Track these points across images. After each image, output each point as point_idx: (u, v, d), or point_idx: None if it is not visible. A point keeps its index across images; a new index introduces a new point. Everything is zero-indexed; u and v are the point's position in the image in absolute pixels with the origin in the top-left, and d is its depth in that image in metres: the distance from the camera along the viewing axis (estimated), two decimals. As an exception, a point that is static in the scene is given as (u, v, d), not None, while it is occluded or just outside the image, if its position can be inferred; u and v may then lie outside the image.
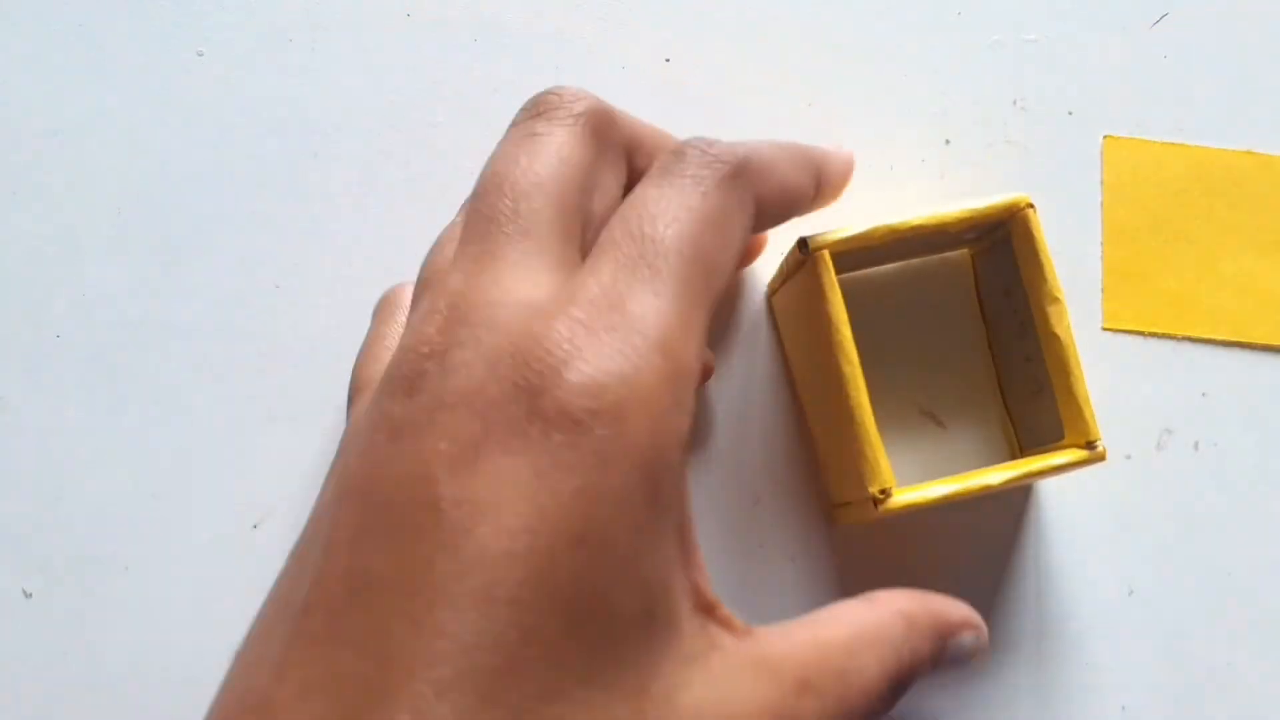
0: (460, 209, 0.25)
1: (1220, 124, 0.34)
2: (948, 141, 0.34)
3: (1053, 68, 0.34)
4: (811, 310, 0.28)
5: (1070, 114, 0.34)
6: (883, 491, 0.27)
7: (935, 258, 0.33)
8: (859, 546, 0.32)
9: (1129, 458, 0.33)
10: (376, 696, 0.17)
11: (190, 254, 0.33)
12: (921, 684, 0.31)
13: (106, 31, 0.33)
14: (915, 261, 0.33)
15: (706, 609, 0.21)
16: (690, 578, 0.20)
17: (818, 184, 0.26)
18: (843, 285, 0.28)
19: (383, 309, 0.29)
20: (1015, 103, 0.34)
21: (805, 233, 0.28)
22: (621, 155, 0.25)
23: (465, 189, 0.25)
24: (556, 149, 0.23)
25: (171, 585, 0.31)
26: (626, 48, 0.33)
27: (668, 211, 0.21)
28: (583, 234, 0.23)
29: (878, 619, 0.23)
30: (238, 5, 0.33)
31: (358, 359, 0.28)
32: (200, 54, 0.33)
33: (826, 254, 0.28)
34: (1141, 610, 0.32)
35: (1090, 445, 0.28)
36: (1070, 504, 0.32)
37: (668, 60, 0.34)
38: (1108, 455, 0.28)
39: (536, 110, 0.24)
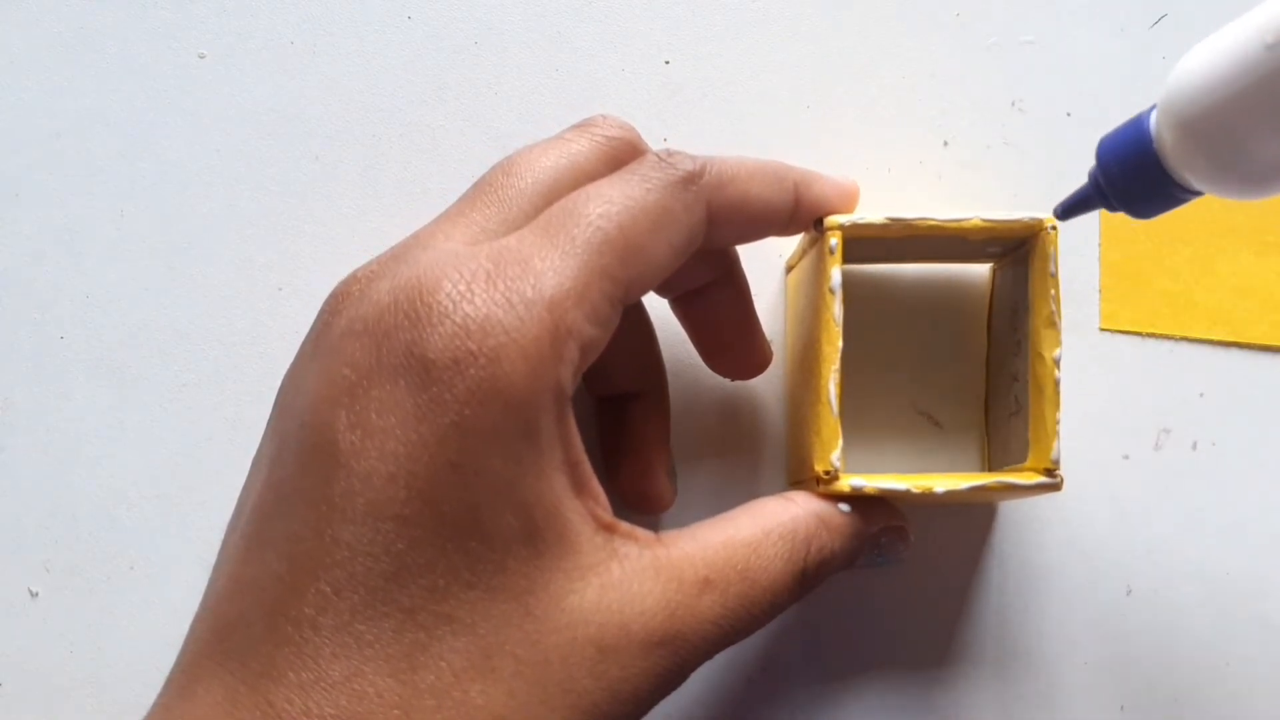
0: None
1: None
2: (946, 143, 0.34)
3: (1051, 69, 0.34)
4: (815, 288, 0.28)
5: (1069, 115, 0.34)
6: (828, 472, 0.27)
7: (959, 268, 0.33)
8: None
9: (1127, 458, 0.33)
10: (288, 593, 0.20)
11: (192, 255, 0.33)
12: (918, 683, 0.31)
13: (108, 34, 0.33)
14: (939, 270, 0.33)
15: (608, 528, 0.22)
16: (586, 506, 0.22)
17: (795, 203, 0.27)
18: (862, 282, 0.28)
19: None
20: (1014, 104, 0.34)
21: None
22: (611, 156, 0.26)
23: (465, 189, 0.26)
24: (569, 151, 0.25)
25: (175, 584, 0.32)
26: (626, 49, 0.34)
27: (604, 196, 0.23)
28: (514, 207, 0.25)
29: (790, 517, 0.25)
30: (239, 8, 0.33)
31: None
32: (202, 56, 0.33)
33: (838, 234, 0.28)
34: (1141, 610, 0.32)
35: (1050, 472, 0.27)
36: (1068, 504, 0.32)
37: (667, 62, 0.34)
38: (1064, 486, 0.27)
39: (577, 125, 0.26)
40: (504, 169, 0.25)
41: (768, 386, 0.33)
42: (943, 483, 0.27)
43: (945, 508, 0.32)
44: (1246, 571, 0.32)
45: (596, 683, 0.21)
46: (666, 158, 0.25)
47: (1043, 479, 0.27)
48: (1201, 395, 0.33)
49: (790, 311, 0.32)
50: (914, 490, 0.27)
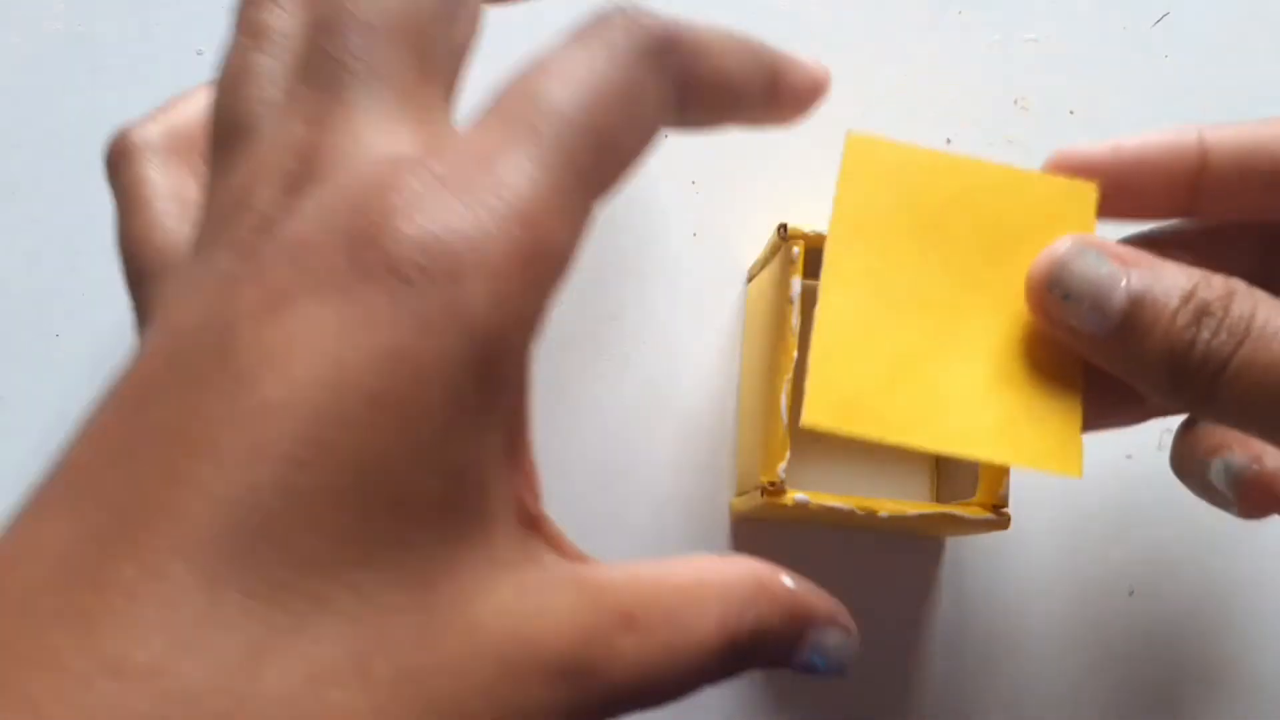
0: (237, 27, 0.21)
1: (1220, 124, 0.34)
2: (949, 140, 0.33)
3: (1054, 67, 0.34)
4: (775, 298, 0.28)
5: (1071, 113, 0.34)
6: (773, 484, 0.27)
7: None
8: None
9: (1129, 458, 0.33)
10: (106, 552, 0.15)
11: (189, 253, 0.33)
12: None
13: (106, 31, 0.33)
14: None
15: (530, 523, 0.19)
16: (515, 485, 0.18)
17: (771, 88, 0.23)
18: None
19: (139, 165, 0.25)
20: (1016, 102, 0.34)
21: (793, 220, 0.28)
22: None
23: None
24: None
25: (170, 585, 0.31)
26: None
27: (567, 73, 0.19)
28: (448, 68, 0.20)
29: (729, 575, 0.21)
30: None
31: (129, 228, 0.24)
32: (200, 53, 0.33)
33: (801, 243, 0.28)
34: (1141, 610, 0.32)
35: (996, 509, 0.27)
36: (1071, 504, 0.32)
37: (668, 59, 0.34)
38: (1011, 524, 0.27)
39: None
40: (341, 30, 0.19)
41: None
42: (888, 507, 0.27)
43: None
44: (1249, 571, 0.32)
45: (487, 707, 0.16)
46: (634, 17, 0.20)
47: (989, 515, 0.27)
48: (1204, 395, 0.33)
49: (749, 321, 0.32)
50: (857, 511, 0.27)
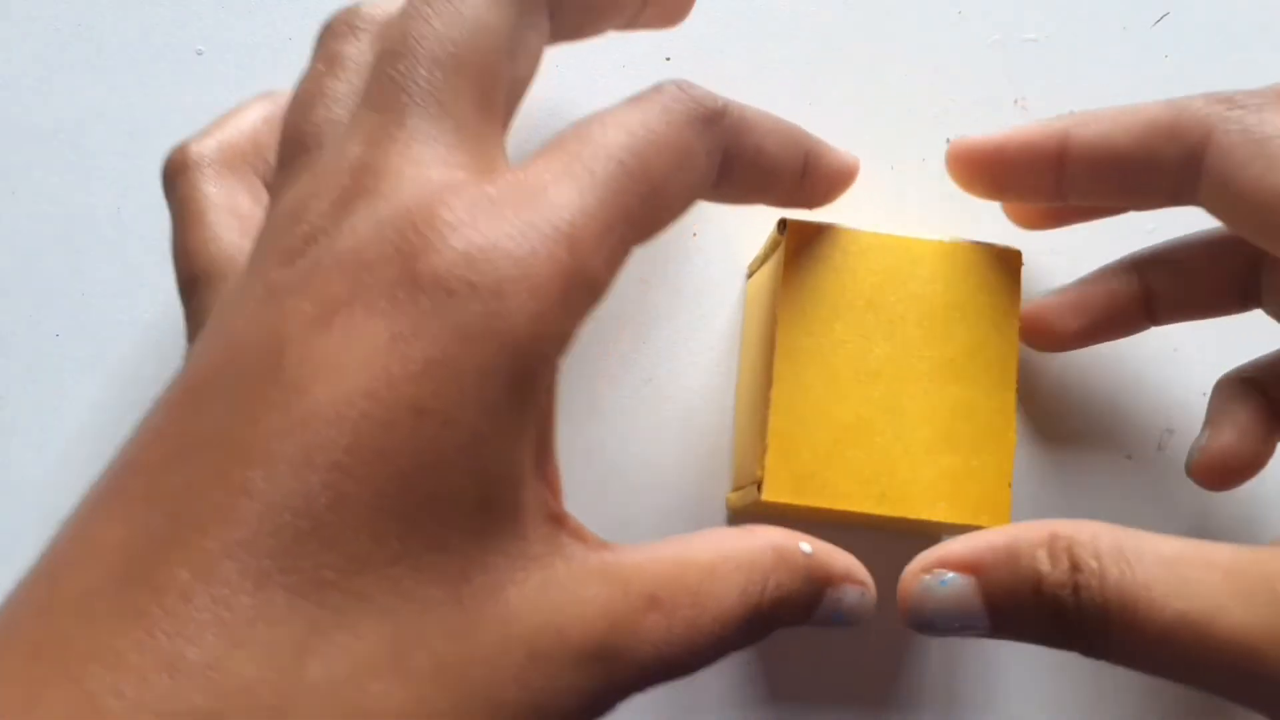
0: (316, 55, 0.23)
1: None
2: (949, 141, 0.33)
3: (1054, 67, 0.34)
4: (773, 294, 0.28)
5: (1071, 113, 0.34)
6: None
7: None
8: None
9: (1129, 457, 0.33)
10: (160, 554, 0.16)
11: (189, 253, 0.33)
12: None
13: (106, 30, 0.33)
14: None
15: (556, 519, 0.20)
16: (542, 487, 0.20)
17: (803, 170, 0.25)
18: None
19: (195, 179, 0.26)
20: (1016, 102, 0.34)
21: (792, 216, 0.28)
22: (544, 8, 0.22)
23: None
24: (475, 12, 0.21)
25: (170, 585, 0.31)
26: (626, 47, 0.33)
27: (623, 124, 0.20)
28: (505, 102, 0.21)
29: (749, 548, 0.22)
30: (238, 4, 0.33)
31: (185, 240, 0.26)
32: (200, 52, 0.33)
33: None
34: (1142, 610, 0.32)
35: None
36: (1071, 505, 0.32)
37: (668, 59, 0.34)
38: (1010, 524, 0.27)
39: None
40: (411, 58, 0.20)
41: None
42: (874, 509, 0.27)
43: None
44: (1249, 572, 0.32)
45: (520, 694, 0.18)
46: (687, 89, 0.21)
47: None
48: (1205, 395, 0.33)
49: (748, 317, 0.32)
50: (844, 513, 0.27)
